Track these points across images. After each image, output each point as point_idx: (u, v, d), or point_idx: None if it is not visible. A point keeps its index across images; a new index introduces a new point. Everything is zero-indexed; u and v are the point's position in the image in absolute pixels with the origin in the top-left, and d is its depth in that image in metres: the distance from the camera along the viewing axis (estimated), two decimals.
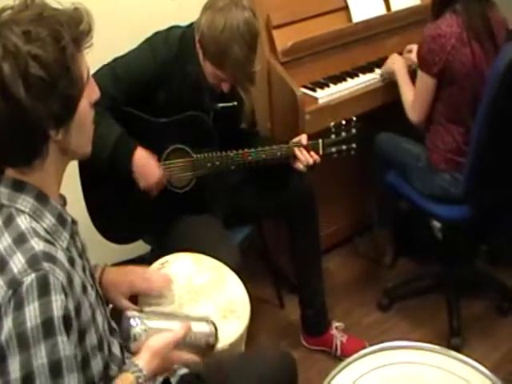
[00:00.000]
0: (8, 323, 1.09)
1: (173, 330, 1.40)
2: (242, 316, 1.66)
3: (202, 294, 1.68)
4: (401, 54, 2.91)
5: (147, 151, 2.15)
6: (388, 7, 2.98)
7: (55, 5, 1.23)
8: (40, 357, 1.09)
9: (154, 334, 1.37)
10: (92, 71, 2.09)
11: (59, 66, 1.15)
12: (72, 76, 1.18)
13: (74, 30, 1.19)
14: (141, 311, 1.47)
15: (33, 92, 1.12)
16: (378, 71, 2.82)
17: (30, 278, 1.11)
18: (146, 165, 2.15)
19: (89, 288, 1.28)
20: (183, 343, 1.40)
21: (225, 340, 1.55)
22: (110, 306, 1.62)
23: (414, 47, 2.73)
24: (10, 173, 1.23)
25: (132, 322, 1.38)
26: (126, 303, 1.55)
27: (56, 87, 1.15)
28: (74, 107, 1.21)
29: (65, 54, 1.16)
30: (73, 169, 2.15)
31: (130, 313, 1.42)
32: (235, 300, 1.71)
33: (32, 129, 1.16)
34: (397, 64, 2.75)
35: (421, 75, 2.47)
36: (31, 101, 1.12)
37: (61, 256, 1.19)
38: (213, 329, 1.49)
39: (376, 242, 3.14)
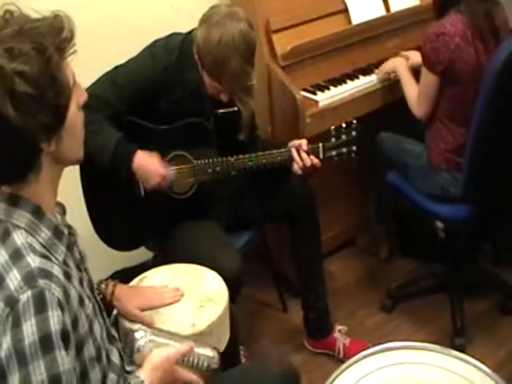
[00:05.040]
0: (7, 341, 1.10)
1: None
2: (219, 302, 1.72)
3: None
4: None
5: (149, 152, 2.15)
6: (387, 8, 2.98)
7: (35, 15, 1.20)
8: (39, 373, 1.09)
9: (158, 347, 1.41)
10: (91, 80, 2.14)
11: (45, 78, 1.13)
12: (59, 85, 1.16)
13: (56, 39, 1.17)
14: (147, 327, 1.55)
15: (21, 109, 1.11)
16: (376, 72, 2.83)
17: (26, 296, 1.11)
18: (148, 164, 2.14)
19: (86, 300, 1.29)
20: (186, 363, 1.44)
21: (203, 323, 1.63)
22: (114, 312, 1.65)
23: (410, 53, 2.79)
24: (6, 187, 1.22)
25: (137, 335, 1.45)
26: (138, 313, 1.64)
27: (44, 99, 1.13)
28: (63, 115, 1.20)
29: (50, 64, 1.14)
30: (73, 176, 2.16)
31: (135, 326, 1.51)
32: (212, 291, 1.77)
33: (24, 145, 1.15)
34: (398, 62, 2.77)
35: (425, 72, 2.46)
36: (21, 118, 1.11)
37: (57, 271, 1.19)
38: (216, 354, 1.51)
39: (373, 236, 3.17)
